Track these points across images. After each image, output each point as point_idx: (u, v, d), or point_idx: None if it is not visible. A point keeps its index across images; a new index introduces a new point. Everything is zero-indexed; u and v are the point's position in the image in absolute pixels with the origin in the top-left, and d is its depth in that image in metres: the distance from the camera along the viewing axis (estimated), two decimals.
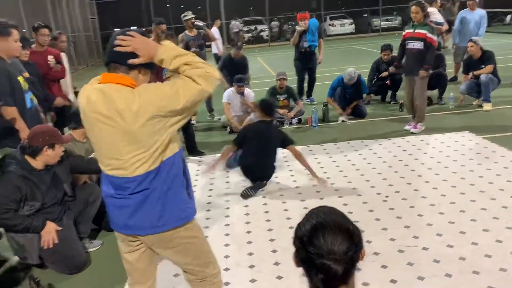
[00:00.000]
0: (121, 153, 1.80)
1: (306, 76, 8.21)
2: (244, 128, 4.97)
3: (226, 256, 3.27)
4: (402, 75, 7.11)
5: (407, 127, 6.09)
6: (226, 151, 4.56)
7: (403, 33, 5.99)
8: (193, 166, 5.28)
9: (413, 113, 6.09)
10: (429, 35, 5.60)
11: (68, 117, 5.46)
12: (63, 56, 6.21)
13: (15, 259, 3.37)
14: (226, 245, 3.45)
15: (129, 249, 2.06)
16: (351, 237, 1.17)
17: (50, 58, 5.53)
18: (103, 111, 1.77)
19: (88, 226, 3.60)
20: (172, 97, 1.74)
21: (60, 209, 3.28)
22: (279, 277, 2.94)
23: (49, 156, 3.10)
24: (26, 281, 3.06)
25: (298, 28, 7.84)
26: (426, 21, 5.68)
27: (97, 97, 1.79)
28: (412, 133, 5.90)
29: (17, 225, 3.00)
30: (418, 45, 5.67)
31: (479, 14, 8.64)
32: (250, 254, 3.28)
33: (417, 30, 5.68)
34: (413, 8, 5.68)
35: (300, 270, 1.23)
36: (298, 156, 4.42)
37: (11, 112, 3.55)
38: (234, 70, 7.30)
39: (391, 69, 7.43)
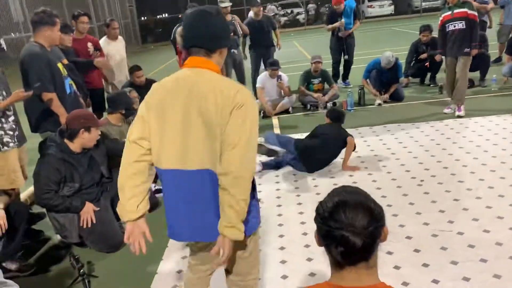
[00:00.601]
0: None
1: (343, 60, 8.09)
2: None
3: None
4: (442, 57, 6.90)
5: (446, 110, 5.92)
6: None
7: (440, 18, 5.78)
8: None
9: (453, 96, 5.90)
10: (470, 12, 5.43)
11: (103, 102, 5.66)
12: (120, 41, 6.37)
13: (57, 237, 3.55)
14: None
15: None
16: (372, 214, 1.17)
17: (90, 45, 5.70)
18: None
19: None
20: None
21: (98, 191, 3.41)
22: (309, 259, 2.96)
23: (85, 139, 3.23)
24: (67, 258, 3.22)
25: (334, 25, 7.78)
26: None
27: None
28: (452, 115, 5.72)
29: (58, 205, 3.15)
30: (460, 25, 5.48)
31: None
32: (281, 236, 3.31)
33: (456, 11, 5.50)
34: None
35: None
36: (349, 147, 4.42)
37: (51, 98, 3.71)
38: (260, 34, 7.29)
39: (437, 57, 6.97)
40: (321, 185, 4.13)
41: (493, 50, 8.08)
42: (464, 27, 5.46)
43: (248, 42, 7.70)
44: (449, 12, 5.59)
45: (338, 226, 1.16)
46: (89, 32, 5.94)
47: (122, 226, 3.61)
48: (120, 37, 6.47)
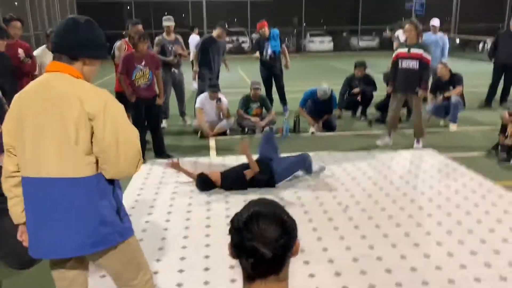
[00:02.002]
0: None
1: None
2: None
3: (182, 258, 3.25)
4: (373, 92, 7.29)
5: (378, 142, 6.19)
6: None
7: (396, 53, 5.99)
8: (159, 168, 5.24)
9: (393, 130, 6.19)
10: (424, 55, 5.67)
11: None
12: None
13: None
14: (184, 247, 3.43)
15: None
16: (284, 226, 1.19)
17: (20, 51, 5.47)
18: None
19: None
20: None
21: None
22: (232, 280, 2.94)
23: None
24: None
25: (255, 55, 8.07)
26: (419, 40, 5.76)
27: None
28: (379, 147, 6.02)
29: None
30: (413, 64, 5.71)
31: (441, 37, 8.94)
32: (207, 257, 3.27)
33: (412, 50, 5.72)
34: (407, 26, 5.77)
35: None
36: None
37: None
38: (216, 53, 7.36)
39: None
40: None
41: None
42: (417, 67, 5.69)
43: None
44: (406, 50, 5.80)
45: (250, 237, 1.16)
46: (26, 40, 5.72)
47: None
48: None
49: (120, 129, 1.80)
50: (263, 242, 1.14)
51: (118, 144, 1.78)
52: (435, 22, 8.98)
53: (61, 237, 1.83)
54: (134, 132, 1.87)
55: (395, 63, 5.97)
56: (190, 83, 10.24)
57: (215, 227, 3.74)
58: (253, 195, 4.35)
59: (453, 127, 7.01)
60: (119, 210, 1.94)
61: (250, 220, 1.19)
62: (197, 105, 6.79)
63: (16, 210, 1.96)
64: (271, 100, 8.11)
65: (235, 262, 1.22)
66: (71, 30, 1.83)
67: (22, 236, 2.02)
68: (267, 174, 4.55)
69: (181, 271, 3.07)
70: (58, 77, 1.82)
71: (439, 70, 7.23)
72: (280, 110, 8.19)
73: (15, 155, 1.87)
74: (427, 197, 4.34)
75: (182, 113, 7.70)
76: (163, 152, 5.69)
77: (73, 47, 1.83)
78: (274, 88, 8.25)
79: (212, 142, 6.43)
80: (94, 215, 1.83)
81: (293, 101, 8.37)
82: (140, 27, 6.41)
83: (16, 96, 1.87)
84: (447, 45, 8.97)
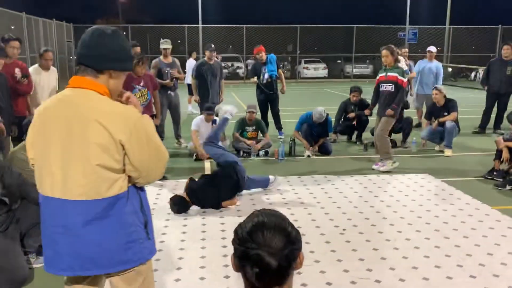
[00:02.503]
0: None
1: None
2: None
3: (177, 280, 3.18)
4: (368, 116, 7.35)
5: (374, 166, 6.20)
6: None
7: (377, 77, 6.21)
8: (154, 189, 5.19)
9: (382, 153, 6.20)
10: (399, 77, 5.85)
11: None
12: (52, 71, 6.13)
13: None
14: (178, 268, 3.36)
15: None
16: (289, 236, 1.18)
17: (17, 71, 5.47)
18: None
19: (38, 241, 3.42)
20: None
21: (5, 219, 3.13)
22: None
23: None
24: None
25: (253, 80, 8.07)
26: (396, 64, 5.93)
27: None
28: (376, 171, 6.01)
29: None
30: (390, 87, 5.90)
31: (436, 65, 9.10)
32: (202, 278, 3.20)
33: (389, 73, 5.92)
34: (383, 52, 5.97)
35: None
36: None
37: None
38: (211, 76, 7.39)
39: (367, 111, 7.17)
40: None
41: (413, 116, 8.72)
42: (392, 90, 5.87)
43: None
44: (384, 74, 6.01)
45: (255, 246, 1.14)
46: (23, 61, 5.74)
47: (29, 261, 3.32)
48: (53, 68, 6.28)
49: (152, 145, 1.80)
50: (268, 252, 1.12)
51: (150, 158, 1.80)
52: (432, 48, 9.14)
53: (85, 254, 1.78)
54: (160, 141, 1.89)
55: (377, 88, 6.17)
56: (186, 106, 10.27)
57: (210, 249, 3.68)
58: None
59: (448, 152, 7.04)
60: (147, 224, 1.90)
61: (255, 230, 1.17)
62: (192, 127, 6.79)
63: None
64: (267, 124, 8.13)
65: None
66: (98, 41, 1.76)
67: None
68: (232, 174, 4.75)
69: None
70: (83, 95, 1.75)
71: (434, 96, 7.31)
72: (276, 134, 8.20)
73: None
74: (424, 220, 4.31)
75: (178, 136, 7.68)
76: None
77: (99, 58, 1.76)
78: (269, 113, 8.29)
79: (207, 164, 6.39)
80: (122, 233, 1.79)
81: (288, 125, 8.41)
82: (138, 49, 6.47)
83: (39, 110, 1.83)
84: (441, 73, 9.11)
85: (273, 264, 1.12)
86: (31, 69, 5.87)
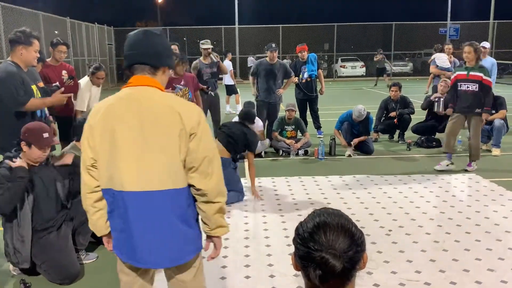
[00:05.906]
0: None
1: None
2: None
3: (223, 278, 3.20)
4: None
5: (437, 167, 5.98)
6: None
7: (454, 75, 5.94)
8: None
9: (451, 151, 6.02)
10: (485, 77, 5.59)
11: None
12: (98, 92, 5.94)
13: (9, 267, 3.31)
14: (224, 266, 3.37)
15: None
16: (353, 237, 1.14)
17: (64, 73, 5.63)
18: None
19: (87, 239, 3.52)
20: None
21: (60, 217, 3.24)
22: None
23: (25, 153, 3.09)
24: (17, 284, 3.00)
25: (292, 80, 7.75)
26: (480, 64, 5.69)
27: None
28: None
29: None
30: (474, 87, 5.63)
31: (490, 61, 8.72)
32: (247, 277, 3.20)
33: (471, 73, 5.64)
34: (466, 48, 5.69)
35: None
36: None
37: (30, 104, 3.68)
38: (270, 76, 7.21)
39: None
40: (288, 223, 4.07)
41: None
42: (477, 89, 5.61)
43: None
44: (465, 72, 5.72)
45: (318, 248, 1.11)
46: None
47: (80, 258, 3.42)
48: None
49: (211, 146, 1.85)
50: (332, 254, 1.09)
51: (210, 159, 1.83)
52: (486, 44, 8.77)
53: (159, 247, 1.83)
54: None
55: (454, 86, 5.88)
56: (224, 107, 10.33)
57: (254, 249, 3.67)
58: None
59: (496, 151, 6.77)
60: (198, 218, 1.96)
61: (317, 230, 1.14)
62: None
63: (101, 223, 1.96)
64: (306, 123, 8.07)
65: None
66: (153, 40, 1.84)
67: (109, 245, 2.02)
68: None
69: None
70: (150, 91, 1.82)
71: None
72: (315, 133, 8.13)
73: (96, 168, 1.87)
74: (474, 222, 4.15)
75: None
76: None
77: (156, 56, 1.84)
78: (308, 112, 8.22)
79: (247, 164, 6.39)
80: (187, 225, 1.87)
81: (327, 124, 8.32)
82: (175, 47, 6.48)
83: (99, 109, 1.84)
84: (495, 70, 8.72)
85: (337, 267, 1.08)
86: (82, 84, 5.79)
